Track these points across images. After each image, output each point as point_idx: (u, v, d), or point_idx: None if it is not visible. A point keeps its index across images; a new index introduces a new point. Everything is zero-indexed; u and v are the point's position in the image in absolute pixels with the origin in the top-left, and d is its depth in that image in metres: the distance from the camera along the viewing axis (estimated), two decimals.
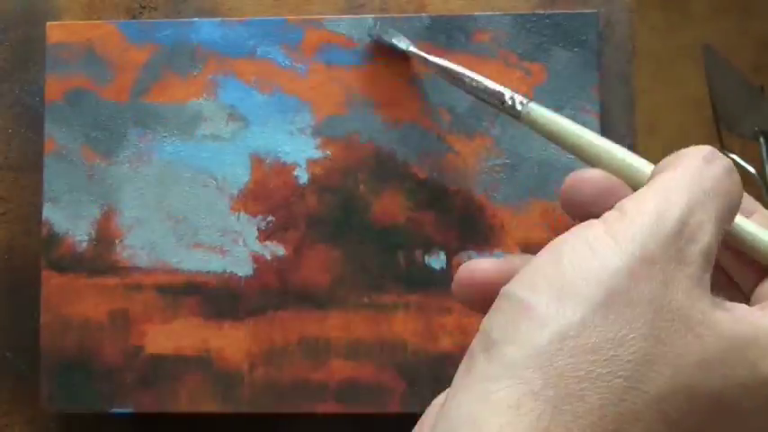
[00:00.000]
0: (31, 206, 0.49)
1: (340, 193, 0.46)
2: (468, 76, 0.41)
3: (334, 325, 0.46)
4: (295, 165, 0.46)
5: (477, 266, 0.33)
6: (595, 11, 0.47)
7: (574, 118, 0.45)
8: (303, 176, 0.46)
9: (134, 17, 0.50)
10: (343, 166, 0.46)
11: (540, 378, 0.24)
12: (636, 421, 0.24)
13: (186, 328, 0.46)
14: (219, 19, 0.48)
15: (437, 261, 0.46)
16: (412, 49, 0.45)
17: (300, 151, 0.46)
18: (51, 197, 0.47)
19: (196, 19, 0.48)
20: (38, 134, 0.49)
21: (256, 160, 0.47)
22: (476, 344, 0.27)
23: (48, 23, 0.48)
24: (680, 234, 0.26)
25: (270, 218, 0.46)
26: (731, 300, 0.30)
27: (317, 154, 0.46)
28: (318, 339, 0.46)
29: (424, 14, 0.47)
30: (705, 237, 0.27)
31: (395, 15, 0.47)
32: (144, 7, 0.50)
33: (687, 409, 0.25)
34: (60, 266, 0.47)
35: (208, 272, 0.46)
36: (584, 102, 0.45)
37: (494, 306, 0.27)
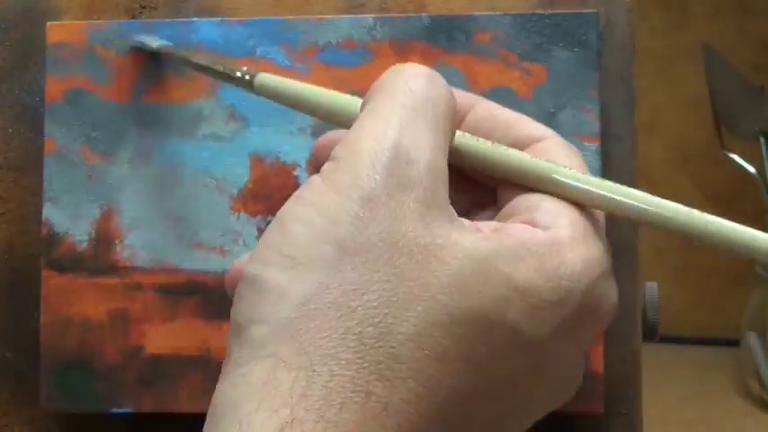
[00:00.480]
0: (31, 206, 0.49)
1: None
2: (200, 64, 0.42)
3: None
4: (295, 165, 0.46)
5: (236, 265, 0.34)
6: (595, 11, 0.47)
7: (574, 118, 0.46)
8: (303, 176, 0.46)
9: (134, 17, 0.50)
10: None
11: (290, 348, 0.24)
12: (398, 363, 0.24)
13: (186, 328, 0.46)
14: (219, 19, 0.48)
15: None
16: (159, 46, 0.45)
17: (300, 151, 0.46)
18: (51, 197, 0.47)
19: (196, 19, 0.48)
20: (38, 134, 0.49)
21: (256, 160, 0.47)
22: (229, 334, 0.27)
23: (48, 23, 0.48)
24: (396, 160, 0.26)
25: (270, 218, 0.46)
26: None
27: None
28: None
29: (424, 14, 0.47)
30: (424, 153, 0.26)
31: (395, 15, 0.47)
32: (144, 7, 0.50)
33: (452, 337, 0.25)
34: (60, 266, 0.47)
35: (208, 272, 0.46)
36: (584, 102, 0.45)
37: (236, 292, 0.27)
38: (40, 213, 0.47)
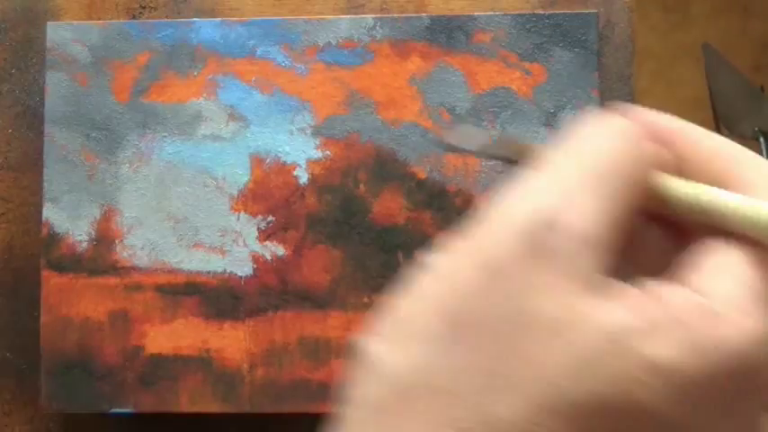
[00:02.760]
0: (31, 206, 0.49)
1: (340, 193, 0.46)
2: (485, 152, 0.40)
3: (334, 325, 0.46)
4: (295, 165, 0.46)
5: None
6: (595, 11, 0.47)
7: (574, 118, 0.45)
8: (303, 176, 0.46)
9: (134, 17, 0.50)
10: (344, 166, 0.46)
11: (378, 430, 0.22)
12: None
13: (186, 328, 0.46)
14: (219, 19, 0.48)
15: None
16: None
17: (300, 151, 0.46)
18: (51, 197, 0.47)
19: (196, 19, 0.48)
20: (38, 134, 0.49)
21: (256, 160, 0.46)
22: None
23: (48, 23, 0.48)
24: (536, 224, 0.22)
25: (270, 218, 0.46)
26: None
27: (317, 154, 0.46)
28: (318, 339, 0.46)
29: (424, 14, 0.47)
30: (573, 219, 0.23)
31: (395, 15, 0.47)
32: (144, 7, 0.50)
33: (570, 427, 0.22)
34: (60, 266, 0.47)
35: (208, 272, 0.46)
36: (584, 102, 0.45)
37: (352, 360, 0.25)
38: (40, 213, 0.47)
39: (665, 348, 0.22)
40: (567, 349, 0.22)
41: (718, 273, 0.24)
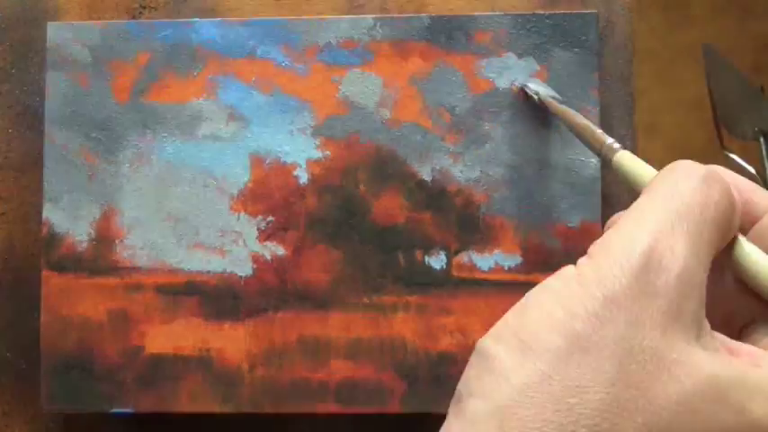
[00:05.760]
0: (31, 206, 0.49)
1: (340, 193, 0.46)
2: (577, 123, 0.41)
3: (334, 325, 0.46)
4: (295, 165, 0.46)
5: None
6: (595, 11, 0.47)
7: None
8: (303, 176, 0.46)
9: (134, 17, 0.50)
10: (343, 166, 0.46)
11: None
12: None
13: (186, 328, 0.46)
14: (219, 19, 0.48)
15: (437, 261, 0.46)
16: (542, 96, 0.44)
17: (300, 151, 0.46)
18: (51, 197, 0.47)
19: (196, 19, 0.48)
20: (38, 134, 0.49)
21: (256, 160, 0.46)
22: (453, 399, 0.27)
23: (48, 23, 0.48)
24: (646, 266, 0.25)
25: (270, 218, 0.46)
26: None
27: (317, 154, 0.46)
28: (318, 339, 0.46)
29: (423, 14, 0.47)
30: (677, 263, 0.25)
31: (395, 15, 0.47)
32: (144, 7, 0.50)
33: None
34: (60, 266, 0.47)
35: (208, 272, 0.46)
36: (584, 102, 0.45)
37: (469, 361, 0.27)
38: (40, 213, 0.47)
39: (763, 408, 0.24)
40: (674, 387, 0.24)
41: None
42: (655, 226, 0.25)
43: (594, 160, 0.45)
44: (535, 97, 0.45)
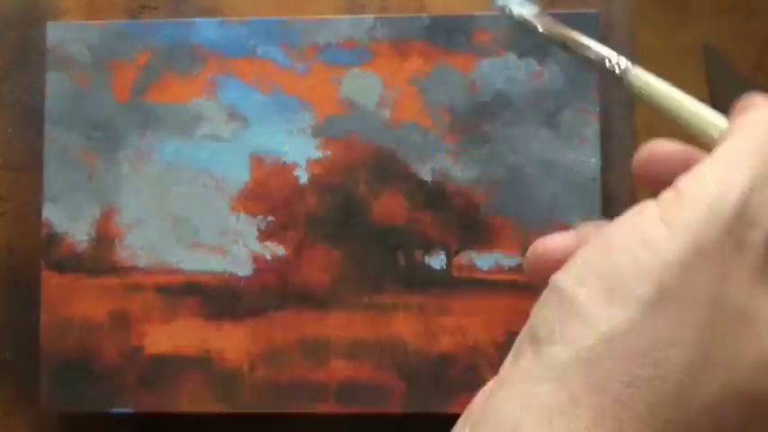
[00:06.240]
0: (31, 206, 0.49)
1: (340, 193, 0.46)
2: (574, 41, 0.39)
3: (334, 325, 0.46)
4: (295, 165, 0.46)
5: (550, 243, 0.30)
6: (595, 11, 0.47)
7: (573, 118, 0.46)
8: (303, 176, 0.46)
9: (134, 17, 0.50)
10: (344, 166, 0.46)
11: (584, 383, 0.23)
12: (686, 429, 0.23)
13: (186, 328, 0.46)
14: (219, 19, 0.48)
15: (437, 261, 0.46)
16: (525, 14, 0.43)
17: (300, 151, 0.46)
18: (51, 197, 0.47)
19: (196, 19, 0.48)
20: (38, 134, 0.49)
21: (256, 160, 0.46)
22: (524, 336, 0.25)
23: (48, 23, 0.48)
24: (739, 218, 0.24)
25: (270, 218, 0.46)
26: None
27: (317, 154, 0.46)
28: (318, 339, 0.46)
29: (423, 14, 0.47)
30: None
31: (395, 15, 0.47)
32: (144, 7, 0.50)
33: (742, 415, 0.23)
34: (60, 266, 0.47)
35: (208, 272, 0.46)
36: (583, 102, 0.45)
37: (542, 298, 0.26)
38: (40, 213, 0.47)
39: None
40: (754, 345, 0.23)
41: None
42: (750, 175, 0.24)
43: (594, 160, 0.45)
44: (515, 15, 0.43)
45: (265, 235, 0.46)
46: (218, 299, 0.46)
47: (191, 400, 0.46)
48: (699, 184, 0.25)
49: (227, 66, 0.47)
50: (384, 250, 0.46)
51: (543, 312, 0.25)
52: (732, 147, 0.26)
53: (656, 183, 0.27)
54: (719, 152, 0.26)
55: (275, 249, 0.46)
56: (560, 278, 0.25)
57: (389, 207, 0.46)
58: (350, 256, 0.46)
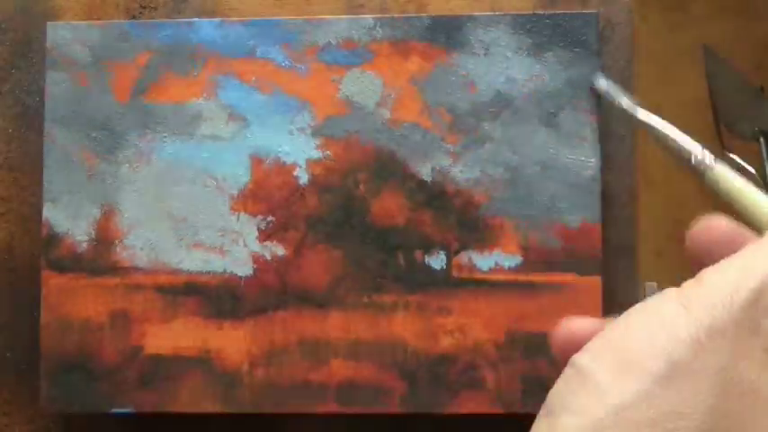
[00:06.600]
0: (31, 206, 0.49)
1: (340, 193, 0.46)
2: (663, 134, 0.40)
3: (334, 325, 0.46)
4: (295, 165, 0.46)
5: (575, 326, 0.31)
6: (595, 11, 0.47)
7: (574, 118, 0.46)
8: (303, 176, 0.46)
9: (134, 17, 0.50)
10: (344, 166, 0.46)
11: None
12: None
13: (186, 328, 0.46)
14: (219, 19, 0.48)
15: (437, 261, 0.46)
16: (628, 106, 0.44)
17: (300, 151, 0.46)
18: (51, 197, 0.47)
19: (196, 19, 0.48)
20: (38, 134, 0.49)
21: (256, 160, 0.46)
22: (542, 410, 0.26)
23: (48, 23, 0.48)
24: (755, 304, 0.25)
25: (270, 218, 0.46)
26: None
27: (317, 154, 0.46)
28: (318, 339, 0.46)
29: (424, 14, 0.47)
30: None
31: (395, 15, 0.47)
32: (144, 7, 0.50)
33: None
34: (60, 266, 0.47)
35: (208, 272, 0.46)
36: (584, 102, 0.45)
37: (562, 373, 0.27)
38: (41, 213, 0.47)
39: None
40: (763, 419, 0.24)
41: None
42: None
43: (594, 160, 0.45)
44: (609, 98, 0.44)
45: (265, 235, 0.46)
46: (218, 299, 0.46)
47: (191, 400, 0.46)
48: (720, 272, 0.26)
49: (227, 66, 0.47)
50: (384, 250, 0.46)
51: (559, 385, 0.26)
52: (758, 243, 0.27)
53: (705, 257, 0.28)
54: (749, 247, 0.27)
55: (275, 249, 0.46)
56: (578, 355, 0.26)
57: (389, 207, 0.46)
58: (350, 256, 0.46)
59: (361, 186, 0.46)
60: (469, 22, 0.46)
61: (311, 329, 0.46)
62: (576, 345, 0.29)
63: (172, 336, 0.46)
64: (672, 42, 0.54)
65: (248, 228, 0.46)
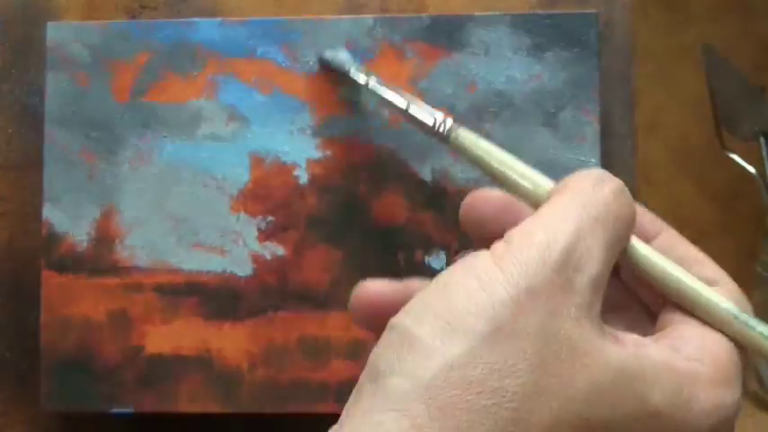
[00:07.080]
0: (31, 206, 0.49)
1: (340, 193, 0.46)
2: (400, 103, 0.41)
3: (334, 325, 0.46)
4: (295, 165, 0.46)
5: (373, 288, 0.33)
6: (595, 11, 0.47)
7: (574, 118, 0.46)
8: (303, 176, 0.46)
9: (134, 17, 0.50)
10: (344, 166, 0.46)
11: (425, 411, 0.24)
12: None
13: (186, 328, 0.46)
14: (219, 19, 0.48)
15: (437, 261, 0.46)
16: (353, 72, 0.44)
17: (300, 151, 0.46)
18: (51, 197, 0.47)
19: (196, 19, 0.48)
20: (38, 134, 0.49)
21: (256, 160, 0.47)
22: (364, 374, 0.27)
23: (48, 23, 0.48)
24: (566, 263, 0.26)
25: (270, 218, 0.46)
26: (641, 324, 0.31)
27: (317, 154, 0.46)
28: (318, 339, 0.46)
29: (423, 14, 0.47)
30: (593, 265, 0.27)
31: (395, 15, 0.47)
32: (144, 7, 0.50)
33: None
34: (60, 266, 0.47)
35: (208, 272, 0.46)
36: (584, 102, 0.45)
37: (382, 337, 0.27)
38: (41, 213, 0.47)
39: (658, 396, 0.26)
40: (585, 374, 0.25)
41: (701, 349, 0.28)
42: (576, 226, 0.27)
43: (594, 160, 0.45)
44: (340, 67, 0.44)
45: (265, 235, 0.46)
46: (218, 299, 0.46)
47: (191, 400, 0.46)
48: (528, 234, 0.27)
49: (227, 66, 0.47)
50: (384, 250, 0.46)
51: (382, 349, 0.27)
52: (558, 201, 0.29)
53: (480, 228, 0.31)
54: (546, 208, 0.29)
55: (275, 249, 0.46)
56: (399, 318, 0.27)
57: (389, 207, 0.46)
58: (350, 256, 0.46)
59: (361, 186, 0.46)
60: (469, 22, 0.46)
61: (311, 329, 0.46)
62: (379, 307, 0.31)
63: (172, 336, 0.46)
64: (672, 42, 0.54)
65: (248, 228, 0.46)
